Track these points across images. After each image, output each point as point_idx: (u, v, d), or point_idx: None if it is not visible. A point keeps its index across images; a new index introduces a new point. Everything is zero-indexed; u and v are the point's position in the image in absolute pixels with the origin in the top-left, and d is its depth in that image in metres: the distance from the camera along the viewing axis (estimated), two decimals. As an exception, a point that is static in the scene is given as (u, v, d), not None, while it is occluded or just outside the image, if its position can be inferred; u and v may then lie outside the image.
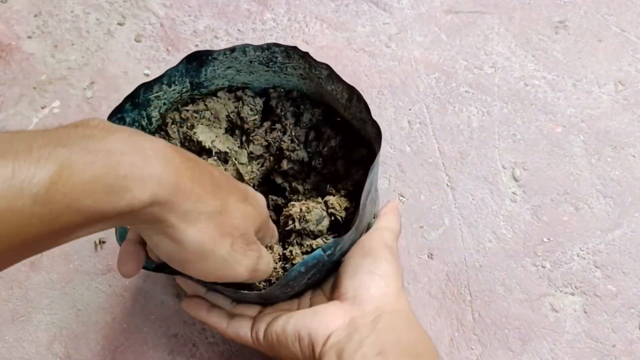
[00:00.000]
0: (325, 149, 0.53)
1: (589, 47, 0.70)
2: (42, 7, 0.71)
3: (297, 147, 0.53)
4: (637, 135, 0.66)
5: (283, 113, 0.53)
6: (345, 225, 0.49)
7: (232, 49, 0.50)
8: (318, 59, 0.50)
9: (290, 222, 0.48)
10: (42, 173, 0.28)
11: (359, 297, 0.43)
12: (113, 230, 0.61)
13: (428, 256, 0.61)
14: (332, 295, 0.46)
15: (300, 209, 0.48)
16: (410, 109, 0.67)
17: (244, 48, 0.50)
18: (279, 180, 0.55)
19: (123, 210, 0.31)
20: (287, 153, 0.53)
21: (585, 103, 0.68)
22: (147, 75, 0.69)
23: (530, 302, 0.60)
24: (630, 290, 0.60)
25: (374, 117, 0.47)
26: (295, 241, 0.48)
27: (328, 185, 0.52)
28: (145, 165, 0.32)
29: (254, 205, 0.42)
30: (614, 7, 0.72)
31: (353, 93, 0.48)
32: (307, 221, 0.48)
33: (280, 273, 0.47)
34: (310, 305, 0.47)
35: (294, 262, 0.47)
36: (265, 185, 0.56)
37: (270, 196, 0.55)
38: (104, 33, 0.70)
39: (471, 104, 0.68)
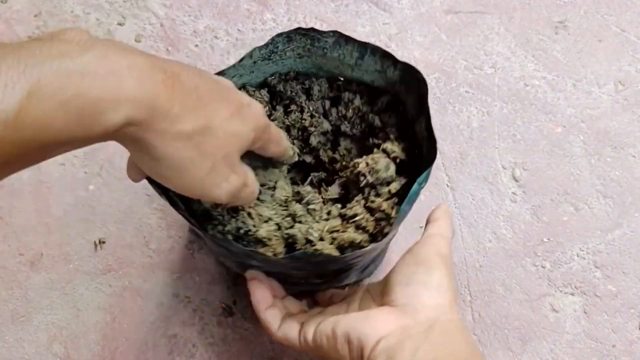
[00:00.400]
0: (349, 110, 0.53)
1: (589, 47, 0.70)
2: (42, 7, 0.71)
3: (319, 120, 0.53)
4: (637, 136, 0.66)
5: (295, 93, 0.54)
6: (407, 167, 0.50)
7: (242, 59, 0.50)
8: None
9: (361, 178, 0.49)
10: (10, 99, 0.27)
11: (412, 306, 0.42)
12: (113, 230, 0.61)
13: (428, 256, 0.61)
14: (382, 300, 0.45)
15: (367, 163, 0.49)
16: (410, 109, 0.67)
17: (251, 53, 0.50)
18: (308, 158, 0.55)
19: (97, 134, 0.31)
20: (312, 129, 0.53)
21: (585, 103, 0.68)
22: (147, 75, 0.69)
23: (530, 302, 0.60)
24: (630, 291, 0.60)
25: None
26: (366, 193, 0.50)
27: (370, 139, 0.52)
28: (119, 87, 0.31)
29: (246, 120, 0.39)
30: (614, 7, 0.72)
31: (366, 48, 0.49)
32: (377, 171, 0.49)
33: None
34: (359, 310, 0.47)
35: (355, 216, 0.49)
36: (298, 169, 0.56)
37: (312, 174, 0.55)
38: (104, 33, 0.70)
39: (471, 104, 0.68)
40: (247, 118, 0.39)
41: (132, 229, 0.62)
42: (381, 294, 0.46)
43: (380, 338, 0.41)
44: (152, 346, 0.58)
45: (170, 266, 0.61)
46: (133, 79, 0.32)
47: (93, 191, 0.63)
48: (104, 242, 0.61)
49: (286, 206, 0.51)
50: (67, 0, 0.72)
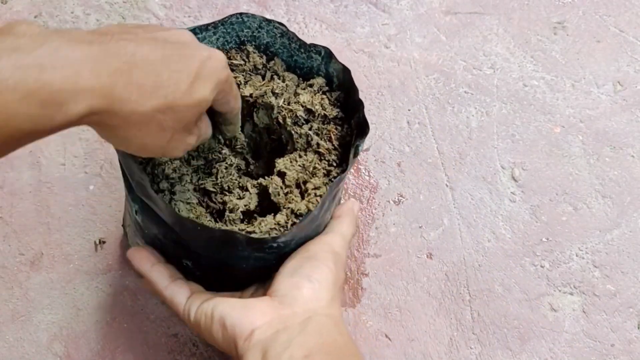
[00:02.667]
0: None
1: (587, 47, 0.70)
2: (43, 8, 0.71)
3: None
4: (635, 136, 0.67)
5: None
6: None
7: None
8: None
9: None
10: None
11: (290, 297, 0.42)
12: (113, 230, 0.62)
13: (427, 256, 0.62)
14: (267, 291, 0.45)
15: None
16: (409, 110, 0.67)
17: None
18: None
19: (61, 123, 0.32)
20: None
21: (584, 103, 0.68)
22: (147, 75, 0.69)
23: (529, 301, 0.60)
24: (629, 290, 0.60)
25: (373, 118, 0.47)
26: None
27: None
28: (77, 79, 0.32)
29: (208, 80, 0.39)
30: (612, 8, 0.72)
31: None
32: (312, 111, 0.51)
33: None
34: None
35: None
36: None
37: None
38: (104, 34, 0.71)
39: (470, 105, 0.68)
40: (209, 77, 0.39)
41: (132, 228, 0.62)
42: (270, 284, 0.46)
43: (254, 329, 0.40)
44: (152, 345, 0.59)
45: (170, 266, 0.61)
46: (88, 70, 0.32)
47: (93, 191, 0.63)
48: (104, 242, 0.62)
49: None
50: (67, 1, 0.72)
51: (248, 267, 0.47)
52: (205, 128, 0.44)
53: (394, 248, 0.62)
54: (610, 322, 0.59)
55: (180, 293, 0.46)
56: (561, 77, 0.69)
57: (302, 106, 0.50)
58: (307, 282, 0.43)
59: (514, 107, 0.68)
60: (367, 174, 0.65)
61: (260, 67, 0.52)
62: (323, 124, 0.50)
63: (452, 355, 0.58)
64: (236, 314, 0.42)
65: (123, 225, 0.60)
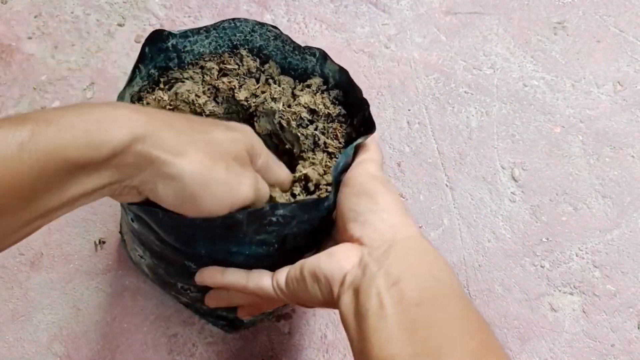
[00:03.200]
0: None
1: (587, 47, 0.70)
2: (43, 8, 0.71)
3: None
4: (635, 136, 0.67)
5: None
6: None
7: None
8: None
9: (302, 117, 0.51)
10: (23, 127, 0.32)
11: (367, 236, 0.42)
12: (113, 230, 0.62)
13: (427, 256, 0.62)
14: (340, 240, 0.45)
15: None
16: (409, 110, 0.67)
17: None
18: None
19: (107, 153, 0.34)
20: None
21: (584, 103, 0.68)
22: (147, 76, 0.69)
23: (529, 301, 0.60)
24: (629, 290, 0.60)
25: (373, 118, 0.47)
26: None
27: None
28: (116, 111, 0.35)
29: (240, 131, 0.43)
30: (612, 8, 0.72)
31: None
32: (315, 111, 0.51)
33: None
34: None
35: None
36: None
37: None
38: (104, 34, 0.71)
39: (470, 105, 0.68)
40: (240, 130, 0.43)
41: (132, 229, 0.62)
42: (337, 234, 0.47)
43: (345, 273, 0.41)
44: (152, 346, 0.59)
45: (170, 266, 0.61)
46: (125, 107, 0.36)
47: (93, 191, 0.63)
48: (104, 242, 0.62)
49: None
50: (67, 1, 0.72)
51: (251, 256, 0.47)
52: (263, 181, 0.45)
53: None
54: (610, 322, 0.59)
55: (263, 278, 0.46)
56: (561, 77, 0.69)
57: (305, 107, 0.50)
58: (372, 216, 0.43)
59: (514, 107, 0.68)
60: (367, 174, 0.65)
61: (254, 70, 0.53)
62: (328, 122, 0.51)
63: (452, 355, 0.58)
64: (325, 264, 0.42)
65: (120, 232, 0.60)
